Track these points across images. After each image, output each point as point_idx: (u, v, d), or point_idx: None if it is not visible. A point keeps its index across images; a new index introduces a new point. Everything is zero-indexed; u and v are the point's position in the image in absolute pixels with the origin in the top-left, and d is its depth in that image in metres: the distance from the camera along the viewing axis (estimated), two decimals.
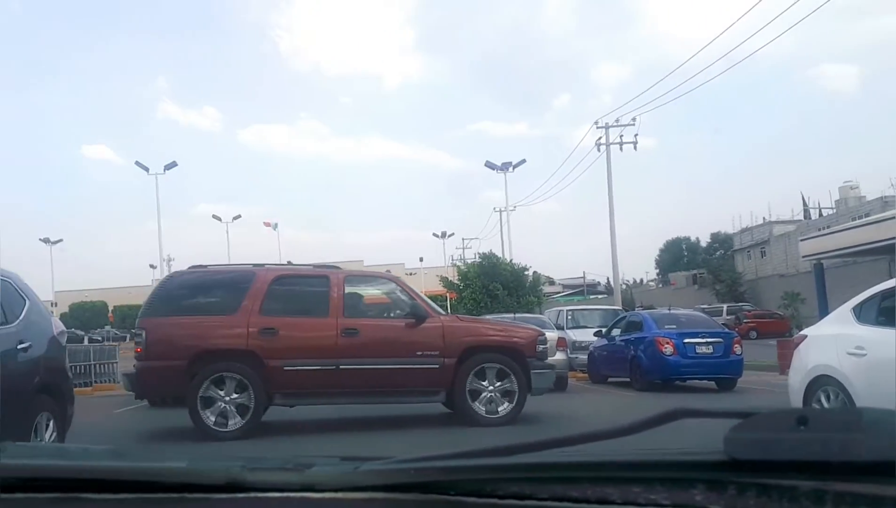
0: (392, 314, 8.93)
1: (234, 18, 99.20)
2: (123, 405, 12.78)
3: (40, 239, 45.98)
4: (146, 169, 31.39)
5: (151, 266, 62.78)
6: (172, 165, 32.13)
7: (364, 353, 8.26)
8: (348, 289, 8.68)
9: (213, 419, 7.90)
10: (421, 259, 61.37)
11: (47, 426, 5.71)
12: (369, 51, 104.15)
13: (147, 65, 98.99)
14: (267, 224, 63.52)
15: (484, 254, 29.30)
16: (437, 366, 8.18)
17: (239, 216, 47.48)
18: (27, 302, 5.87)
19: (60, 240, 48.54)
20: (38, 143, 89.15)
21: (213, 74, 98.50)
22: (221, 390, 7.94)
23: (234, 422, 7.88)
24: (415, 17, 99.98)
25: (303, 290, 8.88)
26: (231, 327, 8.19)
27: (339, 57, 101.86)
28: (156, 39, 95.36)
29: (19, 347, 5.42)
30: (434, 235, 51.88)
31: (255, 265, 9.03)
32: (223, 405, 7.91)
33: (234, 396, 7.95)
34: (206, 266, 9.17)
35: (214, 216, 45.45)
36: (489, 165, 30.43)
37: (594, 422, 8.01)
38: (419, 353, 8.37)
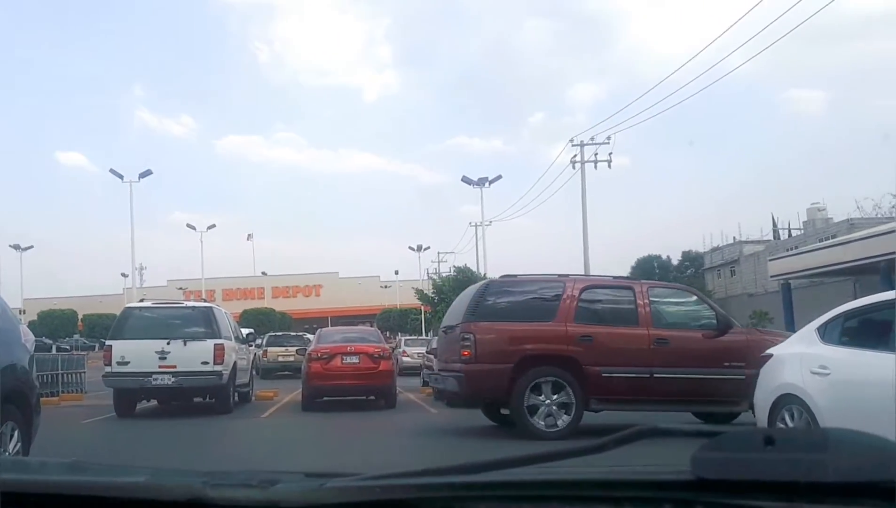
0: (695, 325, 9.21)
1: (215, 29, 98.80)
2: (91, 415, 12.59)
3: (10, 245, 45.12)
4: (120, 177, 30.99)
5: (123, 275, 62.00)
6: (147, 173, 31.71)
7: (675, 362, 8.65)
8: (652, 299, 9.05)
9: (543, 422, 8.41)
10: (396, 272, 61.22)
11: (12, 436, 5.55)
12: (348, 64, 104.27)
13: (124, 72, 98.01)
14: (248, 237, 63.22)
15: (459, 268, 29.33)
16: (742, 377, 8.22)
17: (213, 226, 47.19)
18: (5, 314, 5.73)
19: (31, 247, 47.68)
20: (11, 148, 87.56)
21: (191, 84, 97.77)
22: (539, 395, 8.49)
23: (562, 420, 8.41)
24: (393, 32, 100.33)
25: (610, 300, 9.26)
26: (552, 333, 8.65)
27: (318, 70, 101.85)
28: (134, 47, 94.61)
29: None
30: (410, 248, 51.93)
31: (559, 275, 9.49)
32: (547, 407, 8.44)
33: (554, 397, 8.48)
34: (515, 275, 9.63)
35: (189, 225, 44.97)
36: (465, 180, 30.57)
37: (567, 440, 8.02)
38: (726, 364, 8.66)
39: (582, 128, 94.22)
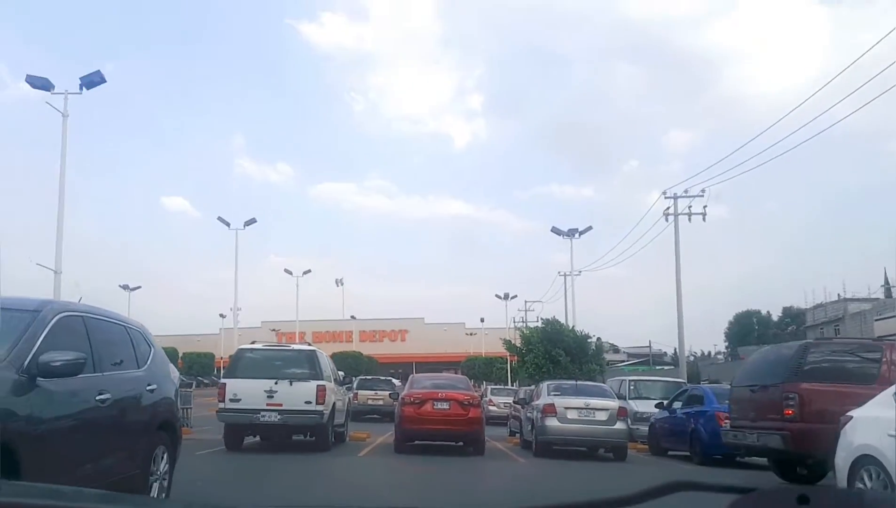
0: None
1: (313, 80, 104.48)
2: (201, 448, 13.82)
3: (120, 286, 48.78)
4: (227, 224, 33.40)
5: (221, 315, 65.48)
6: (252, 221, 34.07)
7: None
8: None
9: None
10: (482, 320, 61.63)
11: (162, 457, 6.61)
12: (439, 113, 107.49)
13: (227, 123, 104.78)
14: (337, 283, 65.60)
15: (547, 320, 29.65)
16: None
17: (309, 271, 49.40)
18: (152, 350, 6.87)
19: (139, 287, 51.30)
20: (121, 193, 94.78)
21: (289, 133, 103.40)
22: None
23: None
24: (484, 81, 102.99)
25: None
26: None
27: (410, 118, 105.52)
28: (236, 99, 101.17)
29: (147, 388, 6.38)
30: (496, 296, 52.41)
31: (874, 340, 10.69)
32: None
33: None
34: (831, 338, 10.81)
35: (286, 271, 47.37)
36: (555, 230, 31.02)
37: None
38: None
39: (677, 175, 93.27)
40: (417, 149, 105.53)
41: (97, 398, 5.35)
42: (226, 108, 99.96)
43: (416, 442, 13.91)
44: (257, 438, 14.27)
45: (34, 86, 17.52)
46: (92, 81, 17.82)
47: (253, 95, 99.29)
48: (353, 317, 68.26)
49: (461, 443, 14.24)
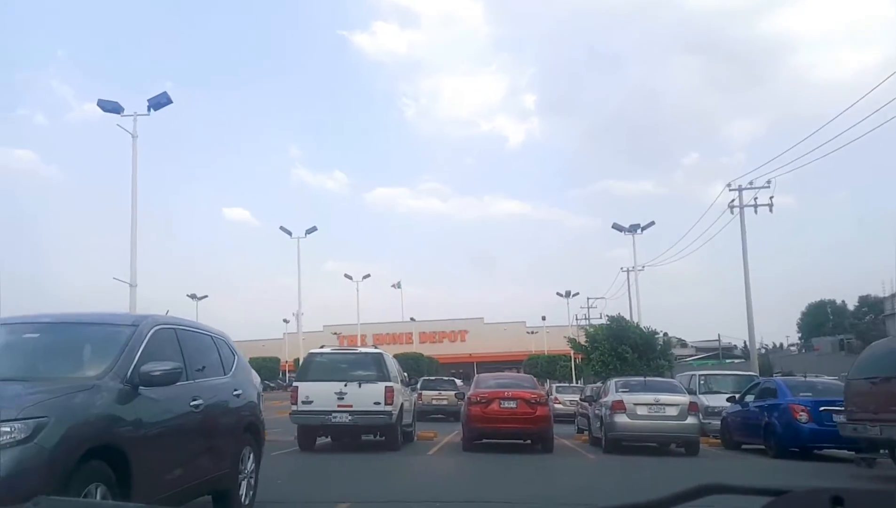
0: None
1: (365, 88, 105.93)
2: (275, 449, 14.39)
3: (188, 295, 50.58)
4: (289, 233, 34.43)
5: (285, 321, 67.09)
6: (313, 229, 35.00)
7: None
8: None
9: None
10: (543, 318, 61.46)
11: (249, 457, 7.03)
12: (492, 114, 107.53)
13: (283, 134, 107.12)
14: (393, 286, 66.47)
15: (612, 317, 29.46)
16: None
17: (368, 276, 50.11)
18: (236, 357, 7.31)
19: (206, 296, 53.10)
20: (186, 206, 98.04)
21: (343, 141, 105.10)
22: None
23: None
24: (537, 80, 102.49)
25: None
26: None
27: (463, 120, 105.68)
28: (291, 111, 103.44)
29: (234, 393, 6.80)
30: (557, 294, 52.19)
31: None
32: None
33: None
34: None
35: (346, 276, 48.22)
36: (616, 227, 30.76)
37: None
38: None
39: (740, 166, 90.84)
40: (470, 151, 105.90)
41: (191, 403, 5.77)
42: (281, 120, 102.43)
43: (484, 441, 14.15)
44: (328, 438, 14.76)
45: (105, 109, 18.51)
46: (159, 102, 18.74)
47: (307, 107, 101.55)
48: (412, 319, 69.02)
49: (528, 441, 14.43)
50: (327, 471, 11.21)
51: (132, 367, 5.06)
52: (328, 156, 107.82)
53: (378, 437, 14.54)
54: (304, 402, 13.71)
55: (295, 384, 14.28)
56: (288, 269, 76.97)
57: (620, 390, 14.67)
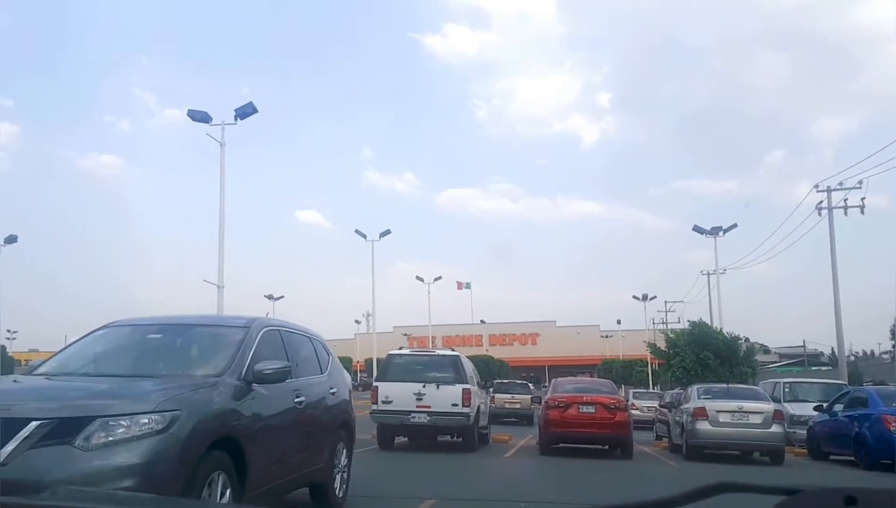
0: None
1: (436, 90, 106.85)
2: (357, 447, 14.94)
3: (265, 296, 52.35)
4: (364, 236, 35.30)
5: (356, 321, 68.58)
6: (387, 232, 35.80)
7: None
8: None
9: None
10: (619, 321, 60.66)
11: (343, 452, 7.50)
12: (565, 113, 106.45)
13: (354, 137, 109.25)
14: (460, 285, 66.89)
15: (694, 322, 28.98)
16: None
17: (440, 278, 50.71)
18: (330, 357, 7.80)
19: (282, 297, 54.84)
20: (261, 209, 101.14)
21: (414, 143, 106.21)
22: None
23: None
24: (612, 78, 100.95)
25: None
26: None
27: (535, 120, 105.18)
28: (363, 113, 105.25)
29: (330, 391, 7.28)
30: (634, 297, 51.42)
31: None
32: None
33: None
34: None
35: (418, 278, 48.97)
36: (697, 229, 30.18)
37: None
38: None
39: (828, 165, 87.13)
40: (543, 151, 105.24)
41: (295, 400, 6.26)
42: (353, 122, 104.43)
43: (561, 445, 14.34)
44: (405, 438, 15.23)
45: (194, 119, 19.68)
46: (245, 111, 19.82)
47: (379, 109, 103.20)
48: (482, 321, 69.30)
49: (606, 447, 14.54)
50: (408, 469, 11.67)
51: (246, 365, 5.57)
52: (399, 158, 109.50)
53: (455, 438, 14.95)
54: (383, 402, 14.23)
55: (375, 383, 14.83)
56: (357, 270, 78.34)
57: (702, 396, 14.61)
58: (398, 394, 14.10)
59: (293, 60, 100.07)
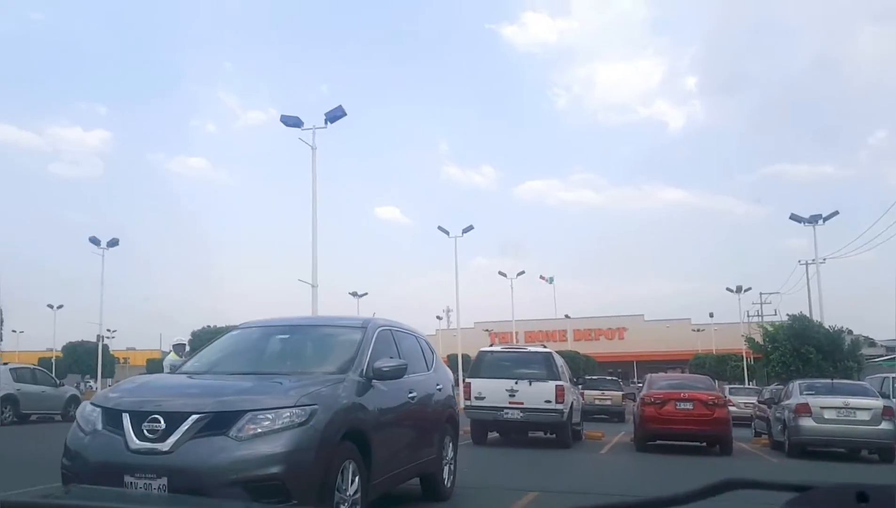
0: None
1: (514, 80, 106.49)
2: None
3: (349, 293, 53.77)
4: (447, 232, 35.87)
5: (438, 317, 69.50)
6: (469, 228, 36.24)
7: None
8: None
9: None
10: (711, 315, 59.18)
11: (449, 445, 7.99)
12: (649, 99, 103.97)
13: (432, 131, 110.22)
14: (542, 278, 66.75)
15: (794, 315, 28.17)
16: None
17: (523, 272, 50.71)
18: (434, 355, 8.32)
19: (366, 294, 56.25)
20: (342, 205, 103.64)
21: (492, 135, 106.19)
22: None
23: None
24: (699, 60, 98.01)
25: None
26: None
27: (617, 107, 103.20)
28: (440, 108, 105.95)
29: (437, 387, 7.80)
30: (727, 289, 50.01)
31: None
32: None
33: None
34: None
35: (500, 273, 49.16)
36: (795, 218, 29.20)
37: None
38: None
39: None
40: (626, 139, 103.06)
41: (409, 395, 6.79)
42: (431, 117, 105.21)
43: (658, 442, 14.46)
44: (495, 434, 15.68)
45: (287, 124, 20.78)
46: (335, 115, 20.78)
47: (456, 103, 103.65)
48: (566, 316, 68.94)
49: (704, 443, 14.57)
50: (506, 463, 12.10)
51: (366, 363, 6.13)
52: (477, 151, 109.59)
53: (548, 435, 15.30)
54: (476, 398, 14.72)
55: (467, 380, 15.35)
56: (438, 266, 79.28)
57: (805, 392, 14.42)
58: (491, 390, 14.55)
59: (369, 57, 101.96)
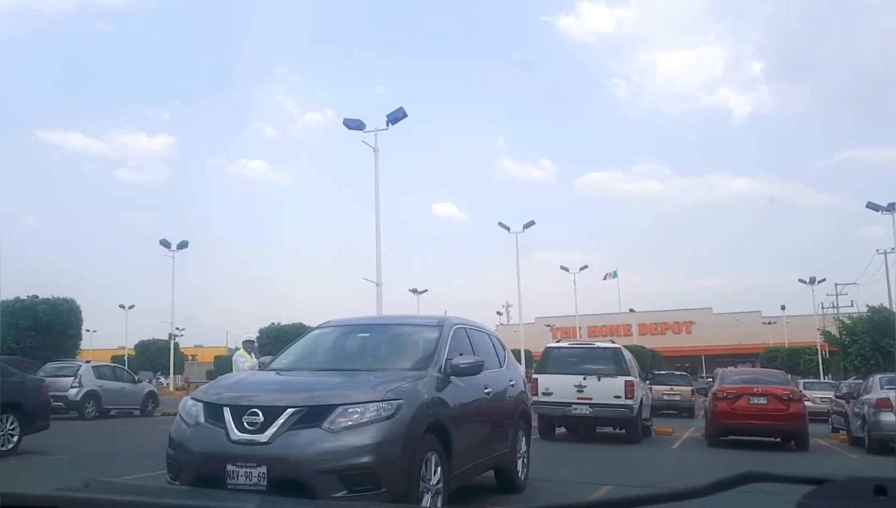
0: None
1: (571, 72, 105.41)
2: None
3: (409, 289, 54.46)
4: (507, 228, 35.98)
5: (498, 313, 69.67)
6: (530, 224, 36.25)
7: None
8: None
9: None
10: (783, 307, 57.70)
11: (522, 439, 8.23)
12: (713, 86, 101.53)
13: (488, 126, 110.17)
14: (606, 276, 66.11)
15: (873, 307, 27.38)
16: None
17: (586, 267, 50.42)
18: (506, 352, 8.59)
19: (426, 291, 56.85)
20: (399, 203, 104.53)
21: (549, 128, 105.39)
22: None
23: None
24: (766, 44, 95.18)
25: None
26: None
27: (680, 96, 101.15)
28: (496, 102, 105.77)
29: (510, 383, 8.06)
30: (800, 280, 48.70)
31: None
32: None
33: None
34: None
35: (562, 267, 49.01)
36: (871, 206, 28.36)
37: None
38: None
39: None
40: (690, 127, 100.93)
41: (484, 391, 7.08)
42: (486, 112, 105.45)
43: (731, 438, 14.38)
44: (562, 429, 15.83)
45: (349, 127, 21.38)
46: (396, 116, 21.26)
47: (512, 97, 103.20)
48: (631, 310, 68.18)
49: (779, 439, 14.42)
50: (577, 458, 12.29)
51: (444, 360, 6.44)
52: (534, 145, 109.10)
53: (617, 430, 15.38)
54: (544, 393, 14.91)
55: (534, 375, 15.54)
56: (493, 261, 79.09)
57: (886, 387, 14.12)
58: (558, 386, 14.72)
59: (424, 55, 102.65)
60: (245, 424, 5.28)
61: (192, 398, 5.94)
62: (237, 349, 14.76)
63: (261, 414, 5.28)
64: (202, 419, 5.56)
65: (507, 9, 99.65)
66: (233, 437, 5.28)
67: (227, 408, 5.43)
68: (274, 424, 5.24)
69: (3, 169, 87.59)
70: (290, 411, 5.29)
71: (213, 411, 5.52)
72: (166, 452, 5.71)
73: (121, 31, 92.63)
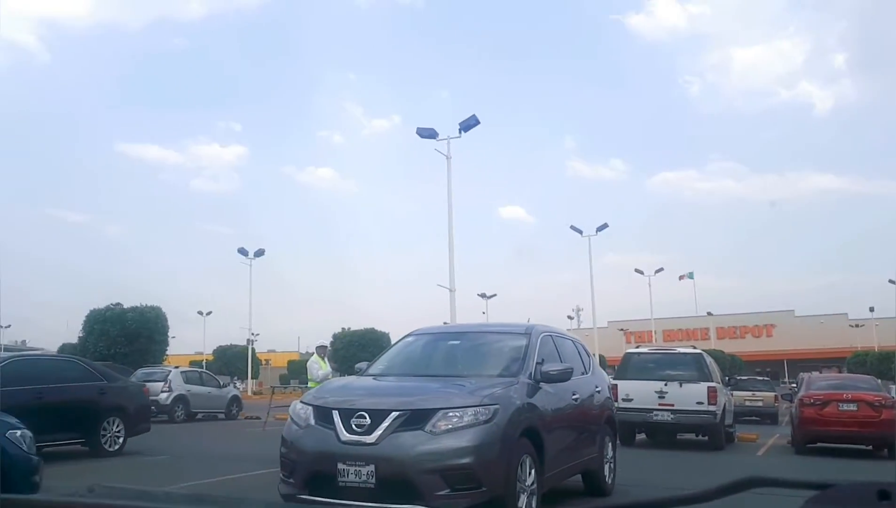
0: None
1: (641, 70, 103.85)
2: None
3: (478, 294, 54.84)
4: (580, 232, 36.04)
5: (569, 317, 69.25)
6: (604, 226, 36.23)
7: None
8: None
9: None
10: (871, 309, 55.57)
11: (608, 444, 8.45)
12: (792, 81, 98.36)
13: (556, 127, 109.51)
14: (682, 278, 64.89)
15: None
16: None
17: (661, 270, 49.93)
18: (591, 359, 8.86)
19: (495, 295, 57.12)
20: (466, 206, 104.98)
21: (620, 128, 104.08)
22: None
23: None
24: (850, 36, 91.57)
25: None
26: None
27: (756, 91, 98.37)
28: (565, 103, 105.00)
29: (596, 389, 8.33)
30: (890, 281, 46.93)
31: None
32: None
33: None
34: None
35: (637, 271, 48.63)
36: None
37: None
38: None
39: None
40: (767, 123, 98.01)
41: (572, 397, 7.38)
42: (554, 113, 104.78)
43: (818, 445, 14.20)
44: (642, 435, 15.87)
45: (422, 136, 21.97)
46: (469, 124, 21.74)
47: (582, 97, 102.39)
48: (709, 313, 66.77)
49: (870, 447, 14.15)
50: (660, 463, 12.39)
51: (534, 366, 6.78)
52: (604, 145, 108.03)
53: (699, 437, 15.35)
54: (624, 399, 15.01)
55: (614, 381, 15.67)
56: (563, 264, 78.67)
57: None
58: (639, 392, 14.81)
59: (490, 57, 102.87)
60: (353, 426, 5.74)
61: (302, 401, 6.45)
62: (311, 353, 15.22)
63: (368, 417, 5.73)
64: (312, 422, 6.05)
65: (575, 8, 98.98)
66: (342, 438, 5.74)
67: (336, 411, 5.91)
68: (380, 426, 5.68)
69: (88, 181, 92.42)
70: (394, 414, 5.72)
71: (323, 414, 6.01)
72: (280, 451, 6.23)
73: (193, 45, 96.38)
